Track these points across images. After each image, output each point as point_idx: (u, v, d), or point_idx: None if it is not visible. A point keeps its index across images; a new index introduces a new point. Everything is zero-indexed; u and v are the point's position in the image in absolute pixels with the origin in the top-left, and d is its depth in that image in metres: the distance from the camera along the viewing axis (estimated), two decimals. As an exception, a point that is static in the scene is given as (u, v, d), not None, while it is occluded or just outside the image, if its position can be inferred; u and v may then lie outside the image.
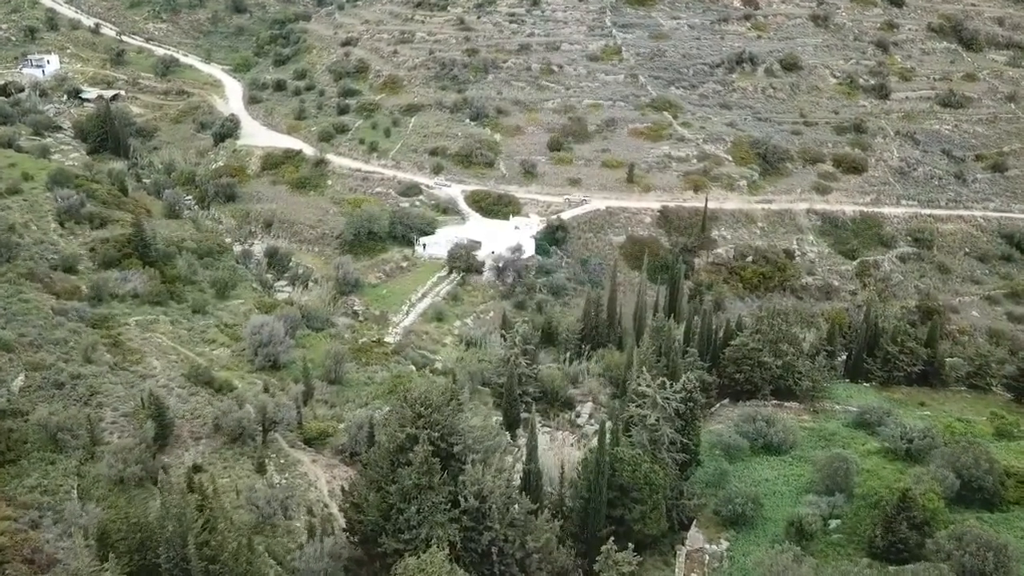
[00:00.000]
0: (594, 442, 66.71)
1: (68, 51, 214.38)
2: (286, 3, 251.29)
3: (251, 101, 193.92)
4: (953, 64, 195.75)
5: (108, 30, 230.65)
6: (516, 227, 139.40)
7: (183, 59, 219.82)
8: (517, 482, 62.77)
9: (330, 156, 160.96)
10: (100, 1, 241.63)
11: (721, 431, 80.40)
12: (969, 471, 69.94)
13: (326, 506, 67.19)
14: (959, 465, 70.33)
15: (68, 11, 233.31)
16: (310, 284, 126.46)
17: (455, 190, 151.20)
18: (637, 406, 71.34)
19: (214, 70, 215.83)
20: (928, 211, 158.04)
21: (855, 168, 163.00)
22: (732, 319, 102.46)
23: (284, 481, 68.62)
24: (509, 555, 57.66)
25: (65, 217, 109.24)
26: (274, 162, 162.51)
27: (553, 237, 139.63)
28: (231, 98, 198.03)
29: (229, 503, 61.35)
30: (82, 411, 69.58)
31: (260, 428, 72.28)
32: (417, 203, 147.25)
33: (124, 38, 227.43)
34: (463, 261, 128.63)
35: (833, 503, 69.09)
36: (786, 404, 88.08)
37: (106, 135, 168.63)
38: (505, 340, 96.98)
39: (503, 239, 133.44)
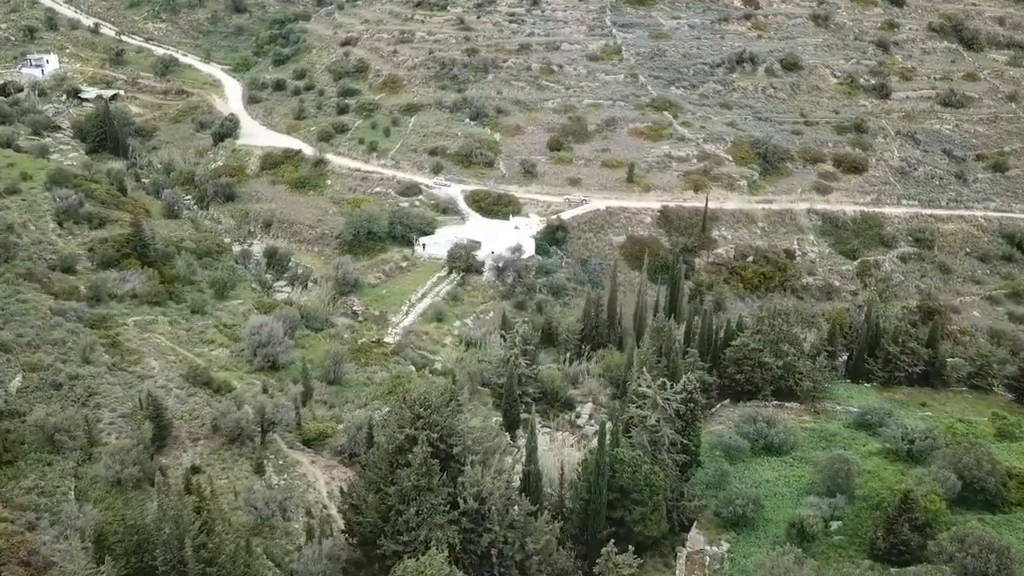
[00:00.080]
0: (594, 443, 66.42)
1: (67, 51, 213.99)
2: (286, 3, 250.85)
3: (250, 101, 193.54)
4: (954, 64, 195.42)
5: (107, 30, 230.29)
6: (516, 227, 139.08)
7: (182, 59, 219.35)
8: (517, 483, 62.54)
9: (330, 156, 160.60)
10: (99, 1, 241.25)
11: (722, 432, 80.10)
12: (971, 472, 69.66)
13: (325, 507, 66.91)
14: (961, 466, 70.05)
15: (67, 11, 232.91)
16: (309, 284, 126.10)
17: (455, 190, 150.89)
18: (637, 407, 71.06)
19: (213, 70, 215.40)
20: (929, 211, 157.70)
21: (856, 168, 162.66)
22: (733, 319, 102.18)
23: (283, 482, 68.37)
24: (509, 557, 57.38)
25: (64, 217, 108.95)
26: (273, 162, 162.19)
27: (553, 237, 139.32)
28: (230, 98, 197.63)
29: (227, 504, 61.11)
30: (80, 412, 69.35)
31: (259, 429, 72.03)
32: (417, 203, 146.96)
33: (123, 38, 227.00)
34: (463, 261, 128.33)
35: (834, 504, 68.80)
36: (787, 405, 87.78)
37: (105, 135, 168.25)
38: (505, 340, 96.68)
39: (503, 239, 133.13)
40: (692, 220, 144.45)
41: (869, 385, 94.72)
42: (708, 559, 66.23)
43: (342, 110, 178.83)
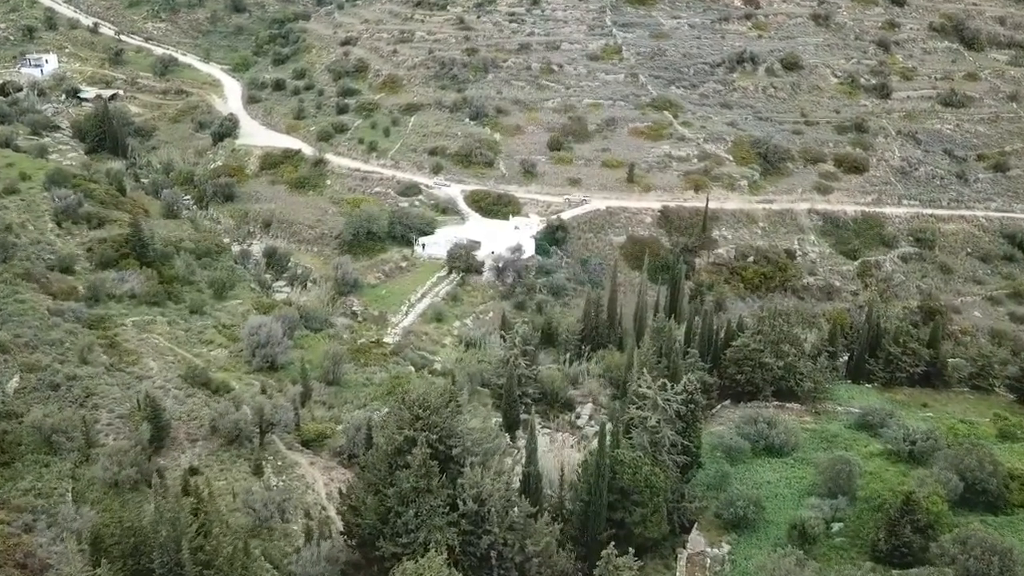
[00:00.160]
0: (594, 444, 66.12)
1: (66, 50, 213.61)
2: (285, 2, 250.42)
3: (250, 101, 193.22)
4: (954, 63, 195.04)
5: (107, 29, 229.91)
6: (516, 227, 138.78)
7: (182, 58, 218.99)
8: (516, 485, 62.21)
9: (329, 156, 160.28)
10: (99, 0, 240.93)
11: (722, 433, 79.76)
12: (973, 474, 69.39)
13: (324, 509, 66.64)
14: (963, 467, 69.79)
15: (67, 10, 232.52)
16: (309, 284, 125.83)
17: (454, 190, 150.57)
18: (638, 408, 70.76)
19: (213, 69, 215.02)
20: (930, 211, 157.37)
21: (856, 168, 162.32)
22: (733, 320, 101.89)
23: (281, 483, 68.13)
24: (508, 559, 57.07)
25: (62, 217, 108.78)
26: (273, 162, 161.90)
27: (553, 237, 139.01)
28: (230, 98, 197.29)
29: (225, 506, 60.85)
30: (77, 413, 69.01)
31: (257, 430, 71.76)
32: (416, 203, 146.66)
33: (123, 37, 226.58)
34: (463, 261, 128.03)
35: (836, 506, 68.50)
36: (788, 405, 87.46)
37: (104, 135, 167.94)
38: (505, 341, 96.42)
39: (503, 239, 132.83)
40: (692, 220, 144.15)
41: (870, 386, 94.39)
42: (709, 561, 65.93)
43: (342, 110, 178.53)
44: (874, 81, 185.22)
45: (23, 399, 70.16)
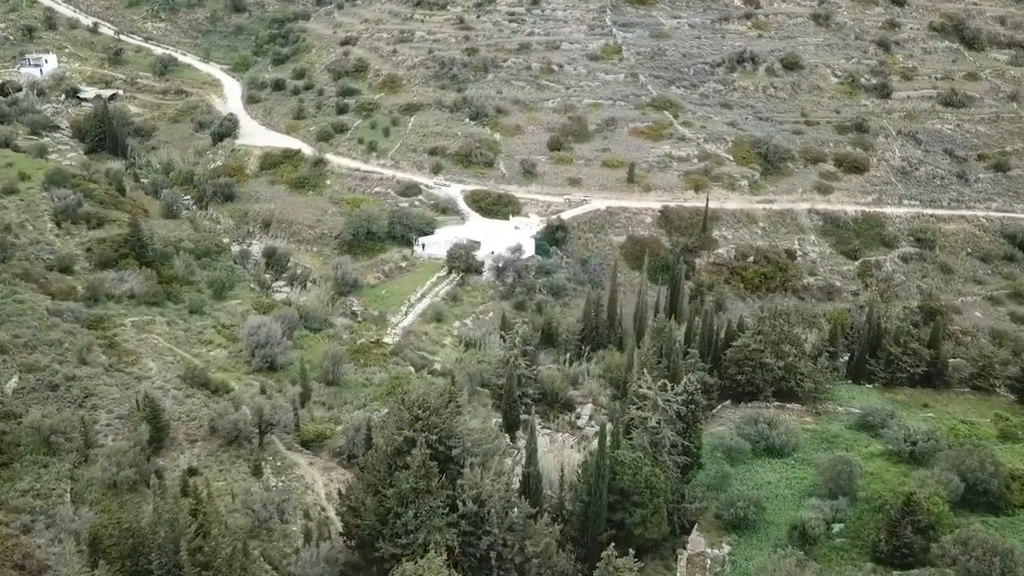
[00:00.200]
0: (594, 445, 65.97)
1: (66, 50, 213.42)
2: (285, 2, 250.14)
3: (250, 100, 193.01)
4: (955, 63, 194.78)
5: (106, 29, 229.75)
6: (516, 227, 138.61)
7: (182, 58, 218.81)
8: (516, 485, 62.06)
9: (329, 156, 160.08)
10: (98, 0, 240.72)
11: (723, 433, 79.60)
12: (974, 474, 69.30)
13: (323, 509, 66.45)
14: (964, 468, 69.68)
15: (66, 10, 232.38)
16: (308, 284, 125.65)
17: (454, 190, 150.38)
18: (638, 408, 70.62)
19: (213, 69, 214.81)
20: (930, 211, 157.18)
21: (857, 168, 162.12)
22: (733, 320, 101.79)
23: (280, 484, 67.92)
24: (508, 560, 56.90)
25: (62, 217, 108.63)
26: (273, 162, 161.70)
27: (553, 237, 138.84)
28: (230, 97, 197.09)
29: (224, 507, 60.65)
30: (76, 413, 68.82)
31: (257, 430, 71.59)
32: (416, 203, 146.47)
33: (122, 37, 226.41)
34: (462, 261, 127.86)
35: (836, 507, 68.36)
36: (788, 406, 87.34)
37: (104, 135, 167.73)
38: (504, 341, 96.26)
39: (503, 239, 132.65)
40: (693, 220, 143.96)
41: (871, 386, 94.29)
42: (709, 562, 65.78)
43: (341, 110, 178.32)
44: (874, 81, 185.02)
45: (22, 399, 69.95)
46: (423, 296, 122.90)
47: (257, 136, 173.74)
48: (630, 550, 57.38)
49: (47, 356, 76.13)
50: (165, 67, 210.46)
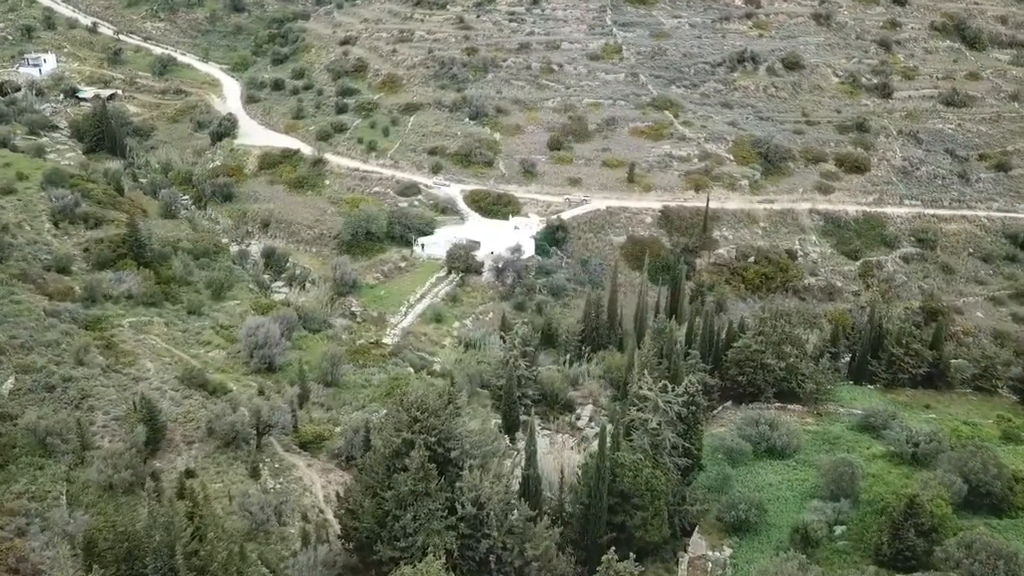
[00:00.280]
0: (594, 446, 65.50)
1: (65, 50, 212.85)
2: (285, 2, 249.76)
3: (249, 100, 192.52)
4: (956, 63, 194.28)
5: (105, 29, 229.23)
6: (516, 227, 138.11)
7: (181, 58, 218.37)
8: (516, 488, 61.56)
9: (328, 155, 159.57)
10: (97, 0, 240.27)
11: (724, 435, 79.11)
12: (977, 476, 68.76)
13: (321, 512, 65.97)
14: (967, 470, 69.15)
15: (65, 10, 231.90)
16: (307, 285, 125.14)
17: (454, 190, 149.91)
18: (638, 409, 70.15)
19: (212, 69, 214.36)
20: (931, 211, 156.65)
21: (858, 168, 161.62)
22: (734, 320, 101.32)
23: (278, 486, 67.45)
24: (507, 563, 56.39)
25: (59, 217, 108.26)
26: (272, 162, 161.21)
27: (553, 237, 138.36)
28: (229, 97, 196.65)
29: (221, 509, 60.16)
30: (72, 415, 68.45)
31: (254, 432, 71.14)
32: (416, 203, 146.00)
33: (121, 37, 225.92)
34: (462, 261, 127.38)
35: (838, 509, 67.83)
36: (789, 407, 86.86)
37: (102, 134, 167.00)
38: (504, 342, 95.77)
39: (502, 239, 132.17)
40: (693, 220, 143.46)
41: (872, 387, 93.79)
42: (710, 565, 65.31)
43: (341, 109, 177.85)
44: (875, 80, 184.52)
45: (18, 401, 69.52)
46: (422, 296, 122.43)
47: (256, 136, 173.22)
48: (631, 553, 56.84)
49: (44, 357, 75.71)
50: (164, 67, 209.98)
